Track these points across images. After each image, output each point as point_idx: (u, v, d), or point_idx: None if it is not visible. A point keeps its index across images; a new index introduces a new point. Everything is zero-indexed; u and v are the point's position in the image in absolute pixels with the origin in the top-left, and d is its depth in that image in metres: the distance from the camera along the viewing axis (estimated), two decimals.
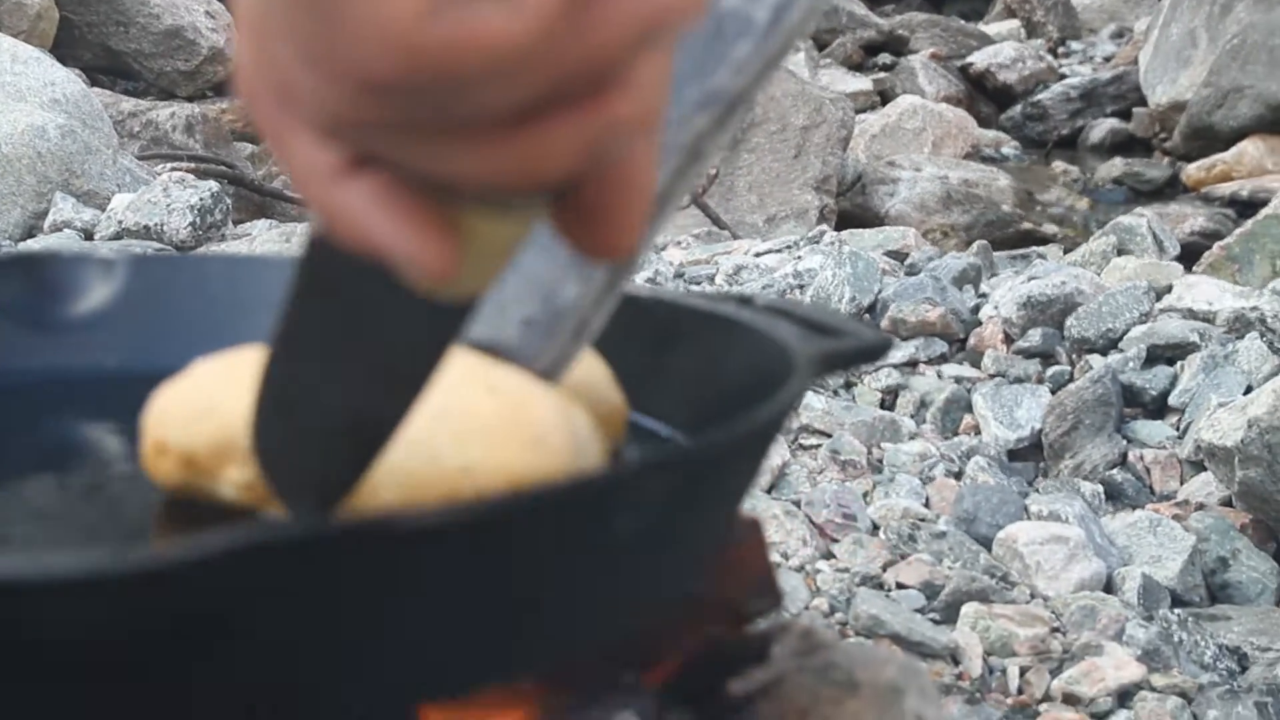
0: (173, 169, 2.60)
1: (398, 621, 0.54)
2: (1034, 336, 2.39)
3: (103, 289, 1.05)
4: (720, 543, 0.80)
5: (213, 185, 2.41)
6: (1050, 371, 2.31)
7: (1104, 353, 2.34)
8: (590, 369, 0.84)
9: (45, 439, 0.93)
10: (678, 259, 2.78)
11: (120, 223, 2.37)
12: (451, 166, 0.43)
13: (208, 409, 0.70)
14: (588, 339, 0.76)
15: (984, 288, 2.64)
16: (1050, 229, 4.29)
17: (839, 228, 3.21)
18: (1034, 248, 3.27)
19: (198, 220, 2.34)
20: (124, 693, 0.51)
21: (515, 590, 0.57)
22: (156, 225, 2.34)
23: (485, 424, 0.65)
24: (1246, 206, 4.43)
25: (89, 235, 2.47)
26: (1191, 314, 2.40)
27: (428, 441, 0.62)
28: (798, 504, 1.90)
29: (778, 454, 2.00)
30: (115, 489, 0.79)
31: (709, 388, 0.84)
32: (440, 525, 0.52)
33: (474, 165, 0.43)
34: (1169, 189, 5.12)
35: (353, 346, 0.53)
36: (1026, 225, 4.21)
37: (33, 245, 2.40)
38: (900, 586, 1.75)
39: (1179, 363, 2.28)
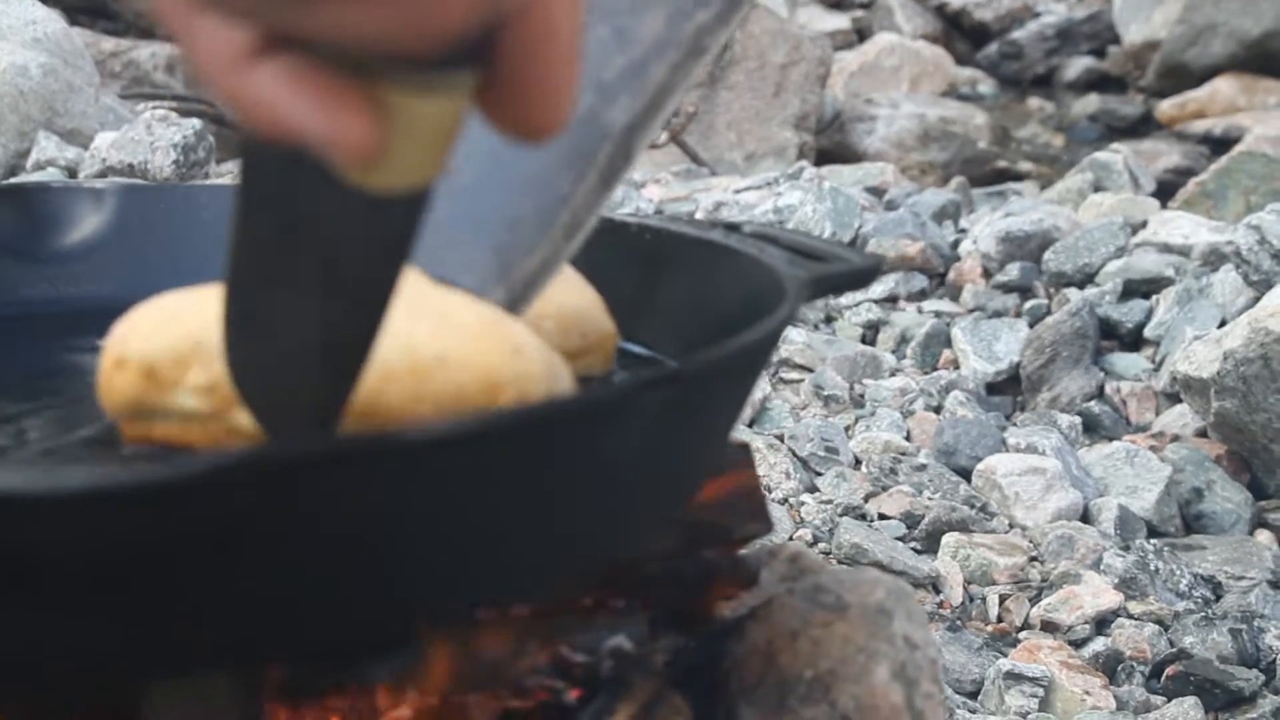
0: (154, 107, 2.59)
1: (395, 541, 0.55)
2: (1012, 271, 2.40)
3: (94, 220, 1.05)
4: (712, 467, 0.81)
5: (195, 123, 2.40)
6: (1028, 305, 2.33)
7: (1081, 287, 2.36)
8: (580, 294, 0.85)
9: (39, 369, 0.94)
10: (657, 196, 2.78)
11: (104, 161, 2.36)
12: (343, 26, 0.40)
13: (169, 319, 0.69)
14: (580, 238, 0.76)
15: (963, 223, 2.66)
16: (1026, 166, 4.30)
17: (817, 165, 3.21)
18: (1011, 184, 3.28)
19: (181, 158, 2.34)
20: (127, 610, 0.51)
21: (514, 509, 0.58)
22: (140, 163, 2.33)
23: (464, 323, 0.65)
24: (1219, 144, 4.44)
25: (73, 173, 2.46)
26: (1167, 248, 2.41)
27: (405, 332, 0.61)
28: (781, 438, 1.91)
29: (760, 388, 2.01)
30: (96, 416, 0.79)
31: (699, 314, 0.85)
32: (442, 440, 0.53)
33: (364, 23, 0.40)
34: (1143, 126, 5.12)
35: (303, 259, 0.50)
36: (1003, 162, 4.22)
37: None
38: (882, 517, 1.77)
39: (1154, 296, 2.30)
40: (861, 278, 0.79)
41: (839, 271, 0.78)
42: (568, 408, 0.58)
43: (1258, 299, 2.12)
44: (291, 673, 0.65)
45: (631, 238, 0.93)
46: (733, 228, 0.91)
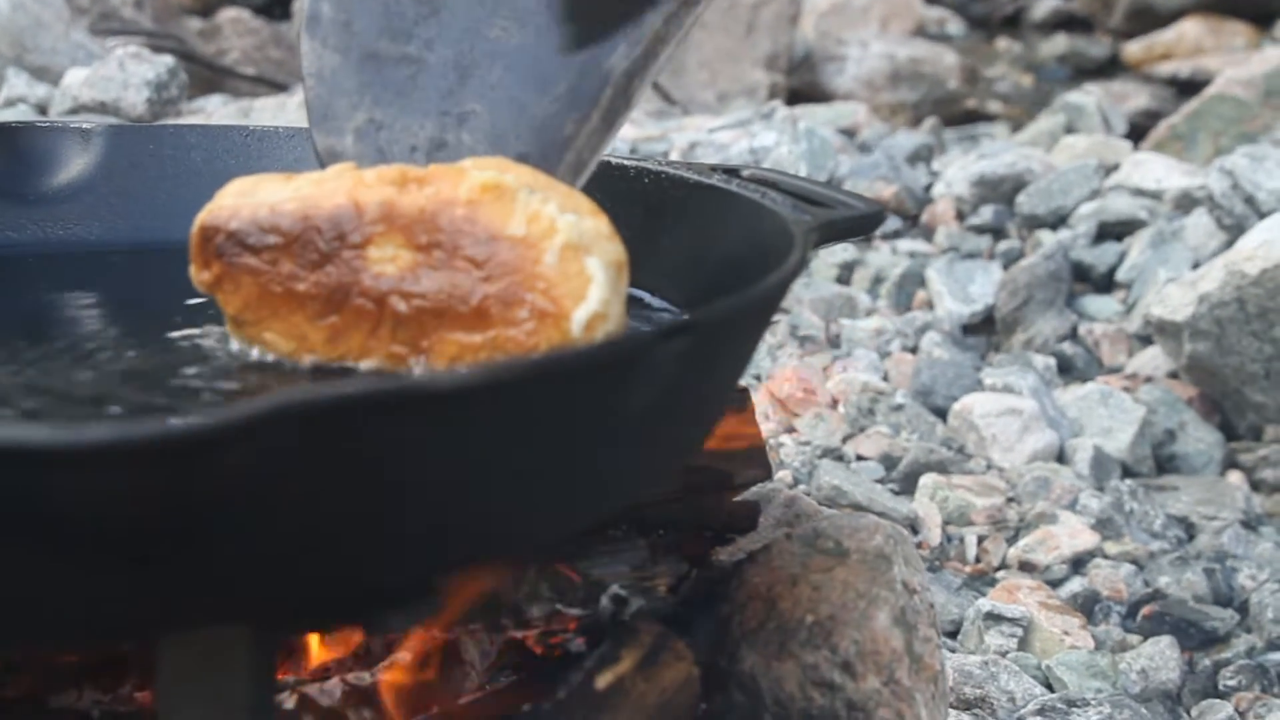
0: (126, 43, 2.56)
1: (418, 491, 0.55)
2: (985, 213, 2.41)
3: (82, 161, 1.04)
4: (720, 416, 0.81)
5: (169, 60, 2.37)
6: (1001, 247, 2.34)
7: (1054, 229, 2.37)
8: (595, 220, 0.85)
9: (28, 311, 0.93)
10: (631, 135, 2.77)
11: (75, 98, 2.34)
12: None
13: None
14: (584, 177, 0.77)
15: (935, 165, 2.66)
16: (995, 107, 4.30)
17: (789, 105, 3.20)
18: (981, 125, 3.28)
19: (154, 95, 2.31)
20: (147, 563, 0.51)
21: (534, 459, 0.58)
22: (113, 100, 2.30)
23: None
24: (1186, 86, 4.45)
25: (43, 111, 2.43)
26: (1140, 192, 2.42)
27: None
28: (759, 378, 1.92)
29: None
30: (100, 360, 0.79)
31: (702, 259, 0.85)
32: (469, 387, 0.53)
33: None
34: (1110, 67, 5.12)
35: None
36: (972, 103, 4.22)
37: None
38: (860, 458, 1.78)
39: (1127, 239, 2.31)
40: (867, 224, 0.79)
41: (845, 217, 0.78)
42: (588, 357, 0.58)
43: (1230, 243, 2.13)
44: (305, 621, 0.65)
45: (630, 181, 0.93)
46: (732, 172, 0.90)
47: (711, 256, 0.84)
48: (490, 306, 0.68)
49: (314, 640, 0.83)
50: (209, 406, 0.68)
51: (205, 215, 0.74)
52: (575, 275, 0.68)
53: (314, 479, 0.51)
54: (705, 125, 2.80)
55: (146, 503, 0.49)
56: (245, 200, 0.73)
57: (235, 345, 0.76)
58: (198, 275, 0.74)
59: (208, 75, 3.13)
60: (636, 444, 0.64)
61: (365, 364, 0.71)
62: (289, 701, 0.81)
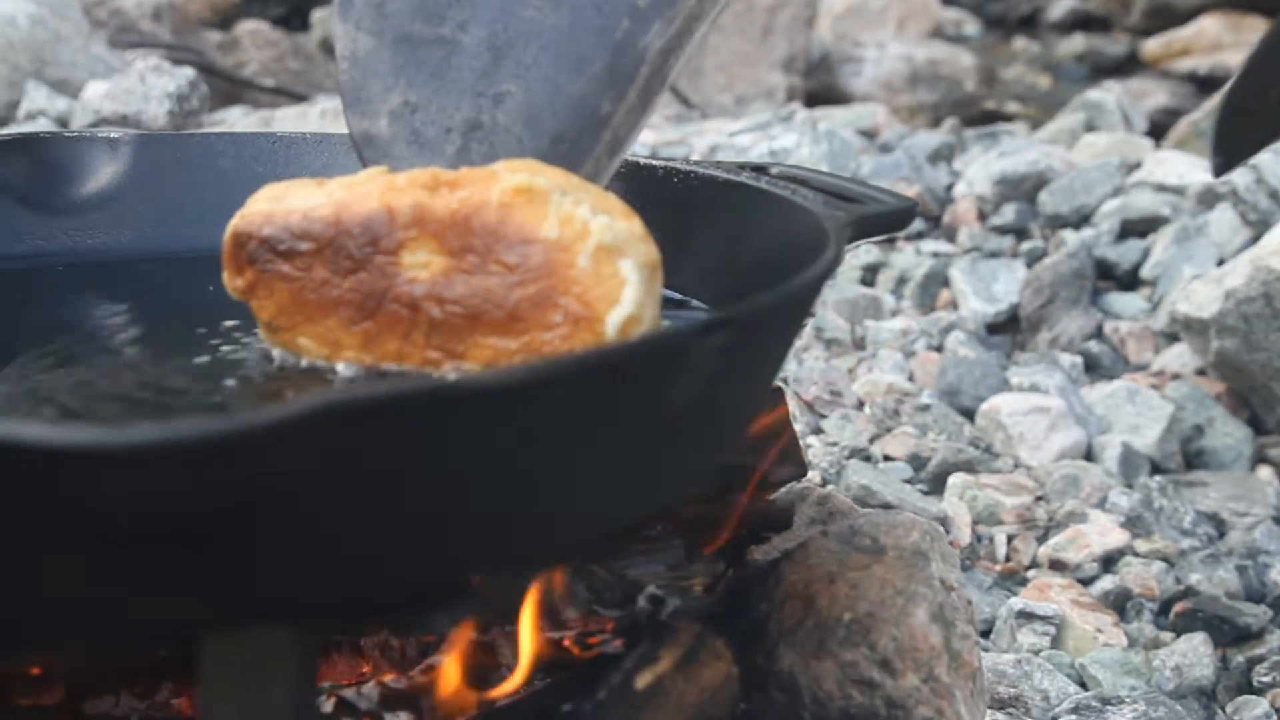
0: (145, 56, 2.56)
1: (461, 489, 0.54)
2: (1008, 212, 2.40)
3: (110, 170, 1.05)
4: (757, 414, 0.81)
5: (189, 72, 2.37)
6: (1024, 247, 2.33)
7: (1077, 227, 2.36)
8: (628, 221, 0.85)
9: (60, 320, 0.93)
10: (650, 140, 2.77)
11: (97, 111, 2.34)
12: None
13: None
14: (620, 156, 0.77)
15: (956, 165, 2.65)
16: (1014, 107, 4.29)
17: (806, 107, 3.20)
18: (1002, 124, 3.27)
19: (175, 107, 2.32)
20: (189, 563, 0.51)
21: (574, 457, 0.58)
22: (134, 113, 2.31)
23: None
24: (1206, 83, 4.44)
25: (64, 124, 2.43)
26: (1162, 188, 2.41)
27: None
28: (785, 381, 1.91)
29: None
30: (133, 367, 0.79)
31: (734, 257, 0.84)
32: (508, 387, 0.53)
33: None
34: (1128, 65, 5.11)
35: None
36: (990, 103, 4.21)
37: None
38: (887, 459, 1.77)
39: (1151, 236, 2.30)
40: (899, 219, 0.79)
41: (877, 213, 0.78)
42: (627, 354, 0.58)
43: (1256, 238, 2.12)
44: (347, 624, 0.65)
45: (659, 182, 0.93)
46: (760, 169, 0.90)
47: (743, 255, 0.84)
48: (524, 310, 0.68)
49: (351, 643, 0.83)
50: (249, 408, 0.68)
51: (238, 221, 0.74)
52: (609, 277, 0.68)
53: (354, 478, 0.51)
54: (724, 128, 2.80)
55: (189, 502, 0.49)
56: (277, 206, 0.73)
57: (269, 351, 0.76)
58: (231, 282, 0.74)
59: (227, 87, 3.13)
60: (675, 441, 0.63)
61: (400, 368, 0.71)
62: (327, 704, 0.81)
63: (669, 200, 0.91)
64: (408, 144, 0.80)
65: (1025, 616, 1.44)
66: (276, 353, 0.75)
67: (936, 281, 2.26)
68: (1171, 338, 2.10)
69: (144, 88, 2.32)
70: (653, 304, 0.69)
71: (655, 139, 2.79)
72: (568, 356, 0.60)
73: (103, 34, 3.08)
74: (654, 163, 0.94)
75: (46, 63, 2.60)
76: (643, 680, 0.75)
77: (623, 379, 0.57)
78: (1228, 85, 0.67)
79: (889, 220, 0.78)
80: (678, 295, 0.87)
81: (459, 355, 0.70)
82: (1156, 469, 1.83)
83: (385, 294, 0.70)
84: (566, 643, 0.82)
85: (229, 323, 0.83)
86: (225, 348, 0.80)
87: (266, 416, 0.47)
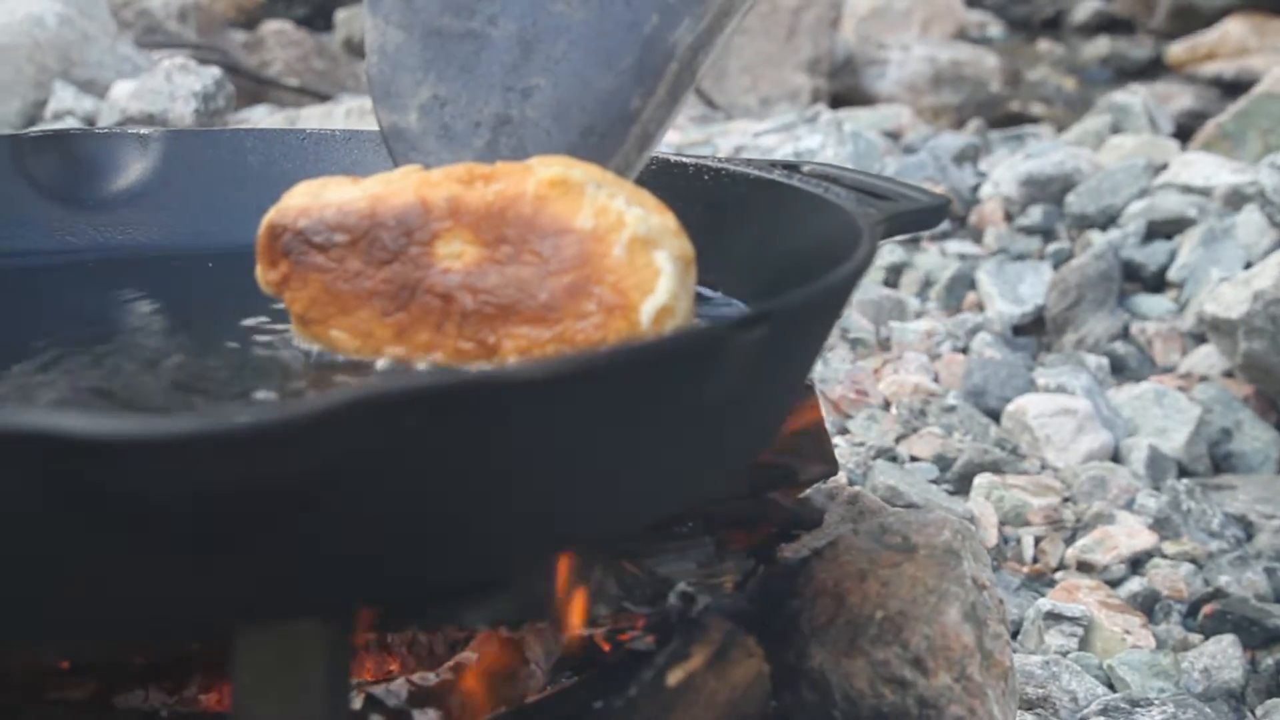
0: (172, 55, 2.57)
1: (497, 479, 0.54)
2: (1034, 214, 2.40)
3: (140, 166, 1.05)
4: (790, 412, 0.81)
5: (215, 72, 2.38)
6: (1051, 248, 2.32)
7: (1104, 228, 2.35)
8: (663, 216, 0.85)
9: (90, 316, 0.93)
10: (675, 140, 2.76)
11: (123, 111, 2.34)
12: None
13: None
14: (650, 151, 0.77)
15: (981, 166, 2.64)
16: (1038, 109, 4.28)
17: (831, 109, 3.19)
18: (1027, 126, 3.26)
19: (202, 107, 2.32)
20: (224, 554, 0.51)
21: (611, 448, 0.58)
22: (160, 112, 2.31)
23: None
24: (1231, 86, 4.42)
25: (91, 123, 2.44)
26: (1189, 189, 2.40)
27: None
28: (811, 381, 1.91)
29: None
30: (164, 362, 0.79)
31: (766, 254, 0.84)
32: (543, 379, 0.52)
33: None
34: (1152, 69, 5.09)
35: None
36: (1015, 105, 4.20)
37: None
38: (913, 459, 1.77)
39: (1178, 237, 2.29)
40: (932, 216, 0.79)
41: (910, 210, 0.77)
42: (664, 347, 0.58)
43: None
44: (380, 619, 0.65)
45: (690, 179, 0.93)
46: (791, 167, 0.90)
47: (775, 252, 0.84)
48: (558, 300, 0.68)
49: (380, 640, 0.83)
50: (289, 399, 0.68)
51: (273, 214, 0.74)
52: (644, 268, 0.68)
53: (388, 471, 0.51)
54: (749, 129, 2.80)
55: (225, 494, 0.48)
56: (313, 200, 0.73)
57: (301, 345, 0.76)
58: (265, 275, 0.74)
59: (252, 87, 3.14)
60: (710, 437, 0.63)
61: (433, 360, 0.71)
62: (356, 701, 0.81)
63: (699, 197, 0.91)
64: (436, 138, 0.80)
65: (1053, 618, 1.44)
66: (311, 347, 0.75)
67: (962, 283, 2.25)
68: (1199, 339, 2.09)
69: (170, 87, 2.32)
70: (686, 297, 0.69)
71: (680, 139, 2.79)
72: (605, 349, 0.59)
73: (130, 35, 3.09)
74: (684, 160, 0.94)
75: (74, 63, 2.61)
76: (674, 677, 0.75)
77: (660, 373, 0.56)
78: None
79: (922, 217, 0.78)
80: (709, 291, 0.87)
81: (491, 347, 0.69)
82: (1184, 471, 1.82)
83: (418, 285, 0.70)
84: (595, 639, 0.82)
85: (259, 319, 0.83)
86: (256, 343, 0.80)
87: (308, 407, 0.47)
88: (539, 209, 0.69)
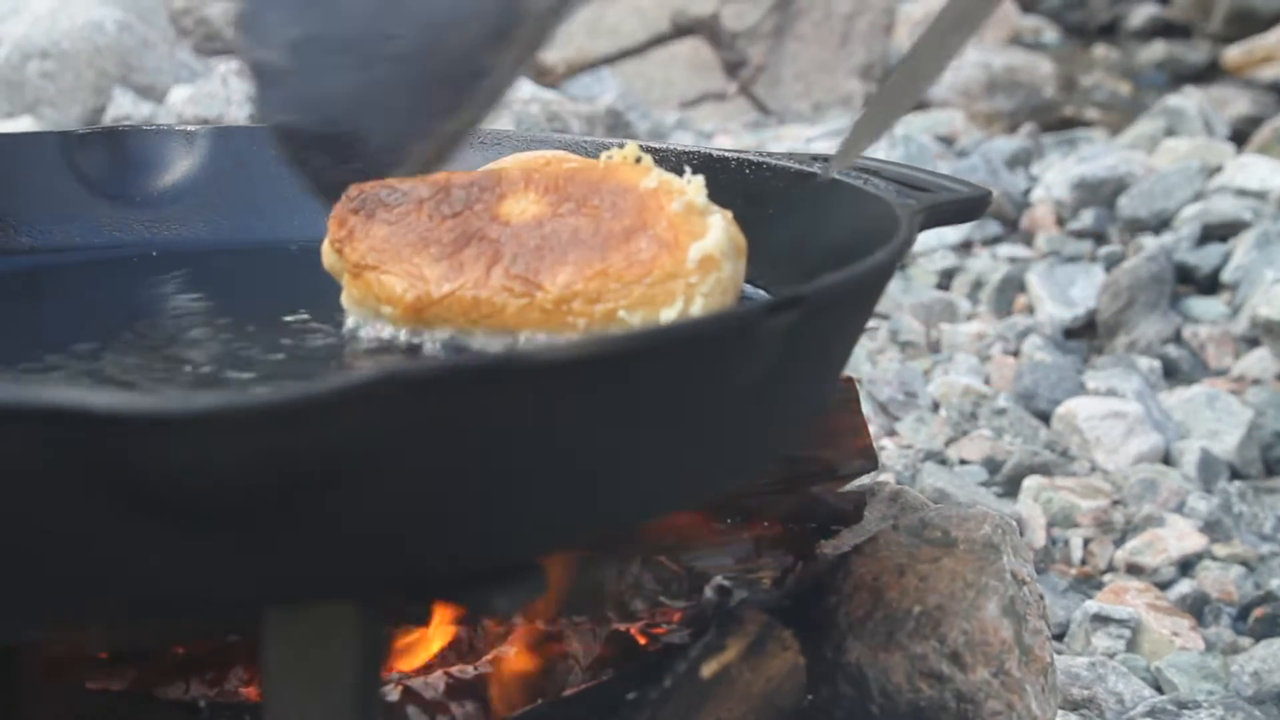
0: (228, 61, 2.58)
1: (527, 462, 0.54)
2: (1086, 217, 2.38)
3: (187, 162, 1.05)
4: (826, 403, 0.80)
5: None
6: (1103, 251, 2.31)
7: (1156, 232, 2.34)
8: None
9: (137, 310, 0.94)
10: (727, 145, 2.76)
11: (180, 115, 2.36)
12: None
13: None
14: (495, 105, 0.78)
15: (1034, 170, 2.63)
16: (1093, 114, 4.25)
17: None
18: (1080, 130, 3.24)
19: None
20: (254, 534, 0.51)
21: (642, 431, 0.57)
22: (216, 116, 2.33)
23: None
24: None
25: None
26: (1244, 193, 2.38)
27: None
28: (859, 382, 1.90)
29: None
30: (207, 351, 0.79)
31: (807, 246, 0.84)
32: (575, 359, 0.52)
33: None
34: (1209, 73, 5.05)
35: None
36: (1069, 110, 4.17)
37: None
38: (963, 462, 1.76)
39: (1231, 240, 2.27)
40: (972, 208, 0.78)
41: (950, 200, 0.77)
42: (697, 328, 0.58)
43: None
44: (410, 603, 0.65)
45: (731, 172, 0.93)
46: (829, 160, 0.90)
47: (816, 244, 0.83)
48: (611, 240, 0.70)
49: (417, 632, 0.83)
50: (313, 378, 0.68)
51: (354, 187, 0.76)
52: (698, 221, 0.70)
53: (419, 449, 0.51)
54: (801, 135, 2.80)
55: (254, 471, 0.49)
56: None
57: (346, 306, 0.77)
58: (332, 235, 0.75)
59: None
60: (743, 423, 0.63)
61: (473, 338, 0.71)
62: (394, 694, 0.81)
63: (740, 190, 0.90)
64: (300, 75, 0.80)
65: (1100, 620, 1.42)
66: (348, 331, 0.76)
67: (1013, 286, 2.24)
68: (1252, 342, 2.07)
69: (226, 90, 2.34)
70: (732, 267, 0.70)
71: (733, 144, 2.79)
72: (635, 331, 0.60)
73: (189, 42, 3.11)
74: (726, 154, 0.94)
75: (133, 68, 2.63)
76: (709, 669, 0.75)
77: (690, 355, 0.56)
78: None
79: (962, 208, 0.78)
80: (750, 288, 0.87)
81: (535, 284, 0.70)
82: (1236, 475, 1.81)
83: (477, 233, 0.72)
84: (632, 632, 0.82)
85: (303, 315, 0.83)
86: (300, 337, 0.80)
87: (328, 385, 0.47)
88: (607, 175, 0.73)
